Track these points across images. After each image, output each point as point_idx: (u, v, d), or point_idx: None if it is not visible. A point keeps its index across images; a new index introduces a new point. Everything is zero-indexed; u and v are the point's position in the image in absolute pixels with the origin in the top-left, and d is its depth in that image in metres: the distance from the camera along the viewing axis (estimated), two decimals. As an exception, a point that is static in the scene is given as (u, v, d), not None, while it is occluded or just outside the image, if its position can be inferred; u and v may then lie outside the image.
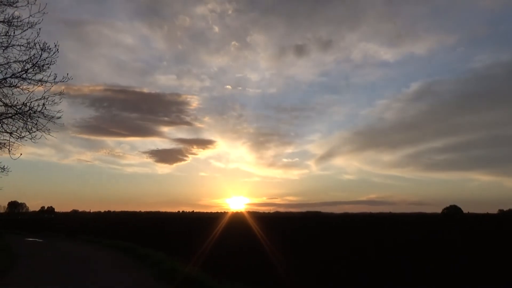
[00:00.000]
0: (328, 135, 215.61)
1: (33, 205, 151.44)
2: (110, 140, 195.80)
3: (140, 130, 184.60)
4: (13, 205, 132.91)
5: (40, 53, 9.33)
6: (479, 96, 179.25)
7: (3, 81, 9.60)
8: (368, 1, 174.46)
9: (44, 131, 9.80)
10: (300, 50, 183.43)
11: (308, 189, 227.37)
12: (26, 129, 9.71)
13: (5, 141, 9.80)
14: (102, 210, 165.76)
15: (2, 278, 11.25)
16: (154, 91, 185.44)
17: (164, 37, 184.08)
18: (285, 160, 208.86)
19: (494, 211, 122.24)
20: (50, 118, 9.79)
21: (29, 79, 9.56)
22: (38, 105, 9.54)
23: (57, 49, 9.41)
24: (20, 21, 9.28)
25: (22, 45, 9.37)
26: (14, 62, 9.52)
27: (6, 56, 9.56)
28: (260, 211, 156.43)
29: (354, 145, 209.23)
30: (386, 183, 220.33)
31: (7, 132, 9.72)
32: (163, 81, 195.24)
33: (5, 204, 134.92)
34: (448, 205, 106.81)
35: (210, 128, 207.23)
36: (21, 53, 9.44)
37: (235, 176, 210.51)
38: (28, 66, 9.42)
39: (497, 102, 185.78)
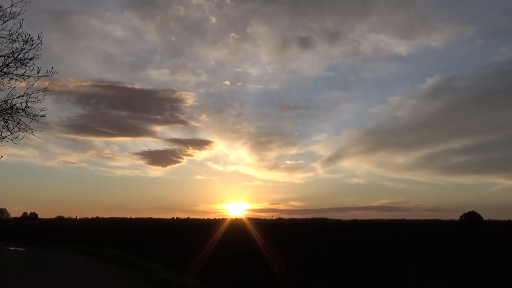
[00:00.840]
0: (335, 135, 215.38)
1: (15, 211, 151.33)
2: (98, 141, 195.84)
3: (130, 129, 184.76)
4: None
5: (22, 45, 9.35)
6: (501, 92, 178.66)
7: (-18, 77, 9.63)
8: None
9: (26, 131, 9.83)
10: (304, 42, 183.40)
11: (314, 193, 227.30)
12: (7, 128, 9.74)
13: (-16, 142, 9.82)
14: (90, 217, 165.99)
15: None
16: (146, 87, 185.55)
17: (156, 28, 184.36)
18: (288, 162, 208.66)
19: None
20: (33, 117, 9.83)
21: (11, 73, 9.58)
22: (20, 103, 9.57)
23: (41, 41, 9.43)
24: (1, 11, 9.30)
25: (4, 37, 9.40)
26: (-6, 55, 9.55)
27: (-15, 49, 9.58)
28: (261, 218, 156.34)
29: (364, 146, 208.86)
30: (399, 187, 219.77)
31: (-14, 132, 9.74)
32: (155, 76, 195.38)
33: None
34: (466, 212, 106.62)
35: (207, 127, 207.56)
36: (2, 46, 9.47)
37: (234, 180, 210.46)
38: (9, 60, 9.44)
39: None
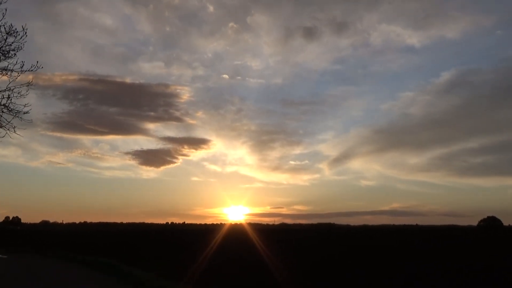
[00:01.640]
0: (343, 133, 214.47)
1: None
2: (86, 139, 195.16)
3: (121, 127, 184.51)
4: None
5: (5, 37, 9.38)
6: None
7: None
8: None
9: (9, 129, 9.86)
10: (310, 33, 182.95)
11: (320, 197, 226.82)
12: (-12, 126, 9.76)
13: (-37, 141, 9.86)
14: (77, 221, 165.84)
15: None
16: (137, 81, 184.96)
17: (149, 17, 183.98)
18: (292, 162, 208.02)
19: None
20: (16, 113, 9.84)
21: (-9, 67, 9.60)
22: (3, 97, 9.60)
23: (25, 33, 9.45)
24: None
25: (-16, 28, 9.41)
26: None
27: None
28: (263, 223, 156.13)
29: (374, 145, 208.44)
30: (412, 190, 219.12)
31: (-34, 130, 9.78)
32: (148, 70, 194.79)
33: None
34: (485, 217, 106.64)
35: (203, 125, 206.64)
36: (-17, 38, 9.49)
37: (233, 182, 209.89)
38: (-9, 52, 9.47)
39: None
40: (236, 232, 46.08)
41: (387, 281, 11.80)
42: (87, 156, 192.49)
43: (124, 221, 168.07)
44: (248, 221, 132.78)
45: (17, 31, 9.43)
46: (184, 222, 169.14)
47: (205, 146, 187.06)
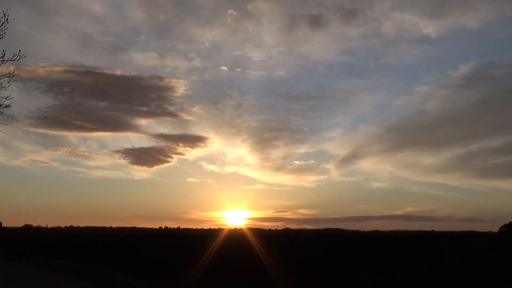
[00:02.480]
0: (352, 130, 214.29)
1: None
2: (72, 136, 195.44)
3: (111, 123, 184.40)
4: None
5: (-15, 25, 9.37)
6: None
7: None
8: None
9: (-12, 124, 9.85)
10: (316, 22, 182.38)
11: (327, 200, 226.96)
12: (-34, 121, 9.76)
13: None
14: (63, 226, 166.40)
15: None
16: (128, 73, 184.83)
17: (142, 4, 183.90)
18: (297, 162, 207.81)
19: None
20: (-3, 107, 9.85)
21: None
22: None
23: (7, 20, 9.45)
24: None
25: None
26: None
27: None
28: (264, 228, 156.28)
29: (386, 144, 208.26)
30: (427, 193, 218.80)
31: None
32: (140, 61, 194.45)
33: None
34: (507, 222, 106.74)
35: (200, 121, 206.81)
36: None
37: (232, 183, 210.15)
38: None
39: None
40: (235, 238, 46.15)
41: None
42: (73, 155, 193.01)
43: (114, 226, 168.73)
44: (248, 226, 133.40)
45: (-2, 19, 9.42)
46: (179, 226, 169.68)
47: (202, 144, 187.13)
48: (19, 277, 19.96)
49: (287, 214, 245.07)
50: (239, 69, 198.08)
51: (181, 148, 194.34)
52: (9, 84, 9.81)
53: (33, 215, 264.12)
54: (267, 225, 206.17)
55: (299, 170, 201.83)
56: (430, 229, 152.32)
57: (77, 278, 19.62)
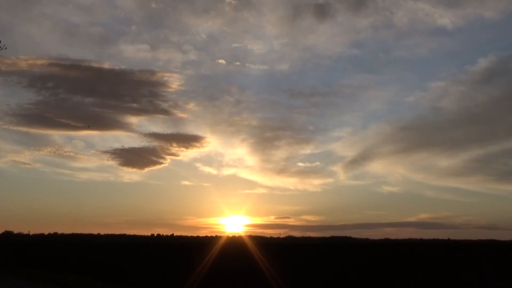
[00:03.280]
0: (361, 130, 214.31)
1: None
2: (57, 135, 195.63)
3: (98, 120, 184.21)
4: None
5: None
6: None
7: None
8: None
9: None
10: (322, 11, 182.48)
11: (334, 205, 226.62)
12: None
13: None
14: (46, 232, 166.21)
15: None
16: (118, 67, 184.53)
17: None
18: (301, 164, 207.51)
19: None
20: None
21: None
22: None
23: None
24: None
25: None
26: None
27: None
28: (266, 235, 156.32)
29: (398, 144, 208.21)
30: (443, 198, 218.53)
31: None
32: (130, 53, 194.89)
33: None
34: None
35: (196, 119, 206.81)
36: None
37: (231, 187, 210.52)
38: None
39: None
40: (234, 246, 46.07)
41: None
42: (57, 155, 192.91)
43: (102, 232, 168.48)
44: (248, 233, 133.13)
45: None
46: (173, 234, 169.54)
47: (197, 144, 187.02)
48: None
49: (290, 221, 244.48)
50: (238, 63, 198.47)
51: (175, 149, 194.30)
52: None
53: (14, 220, 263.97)
54: (268, 232, 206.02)
55: (304, 173, 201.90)
56: (446, 237, 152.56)
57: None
